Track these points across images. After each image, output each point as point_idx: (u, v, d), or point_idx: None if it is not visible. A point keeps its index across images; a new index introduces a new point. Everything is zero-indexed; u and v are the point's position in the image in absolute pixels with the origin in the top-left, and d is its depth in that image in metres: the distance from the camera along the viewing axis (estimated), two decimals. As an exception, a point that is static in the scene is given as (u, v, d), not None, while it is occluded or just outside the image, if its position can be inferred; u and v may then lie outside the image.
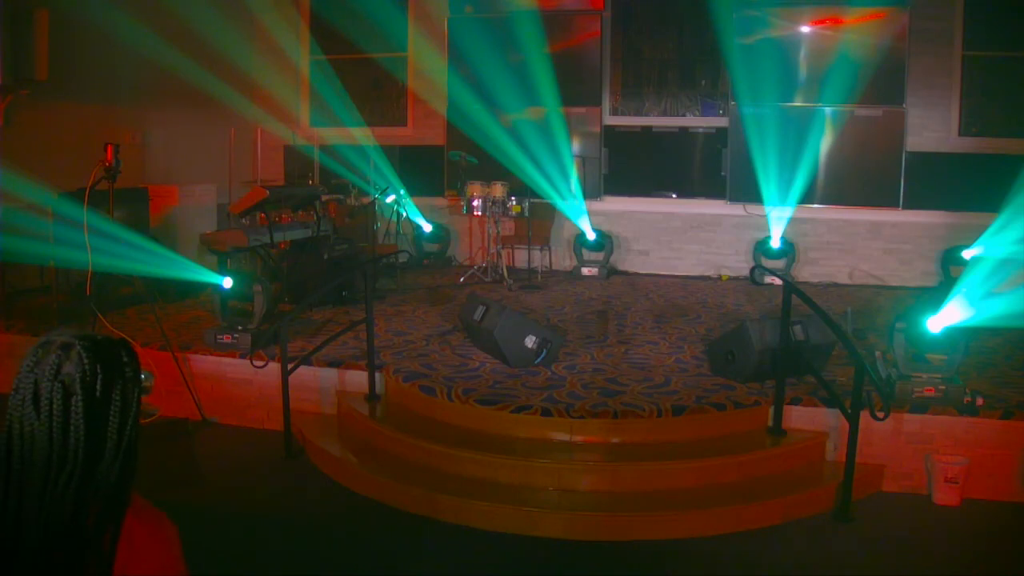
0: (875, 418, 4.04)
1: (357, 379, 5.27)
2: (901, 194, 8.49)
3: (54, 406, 1.40)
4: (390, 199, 8.86)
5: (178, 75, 7.78)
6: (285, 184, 8.97)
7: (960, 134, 8.45)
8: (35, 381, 1.42)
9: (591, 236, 9.08)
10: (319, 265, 6.97)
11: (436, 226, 9.61)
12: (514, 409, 4.53)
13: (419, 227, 9.49)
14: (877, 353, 4.78)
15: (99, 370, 1.44)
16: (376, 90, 10.07)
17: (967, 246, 7.90)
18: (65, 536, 1.37)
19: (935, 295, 5.89)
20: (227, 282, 5.64)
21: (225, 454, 5.03)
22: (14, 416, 1.41)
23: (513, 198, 8.20)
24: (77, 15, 7.08)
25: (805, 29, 8.56)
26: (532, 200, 8.50)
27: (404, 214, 9.23)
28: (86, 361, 1.43)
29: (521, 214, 8.33)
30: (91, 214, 5.22)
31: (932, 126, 8.46)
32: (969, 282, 5.58)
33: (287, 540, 3.93)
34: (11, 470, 1.39)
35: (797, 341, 4.66)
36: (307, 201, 7.24)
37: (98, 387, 1.44)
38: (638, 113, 9.30)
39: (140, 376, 1.52)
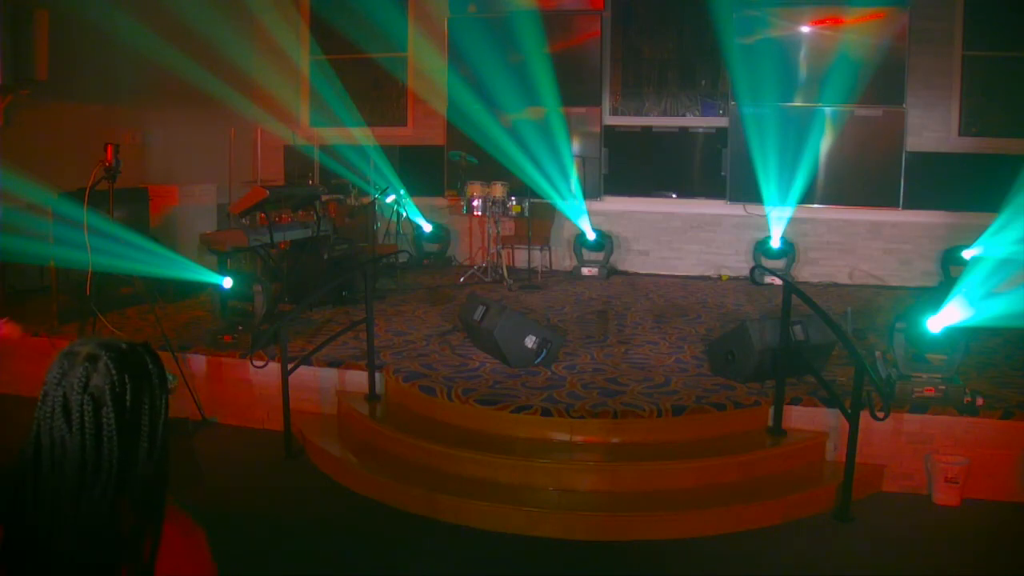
0: (875, 418, 4.04)
1: (357, 379, 5.27)
2: (901, 194, 8.49)
3: (85, 419, 1.40)
4: (390, 199, 8.86)
5: (178, 75, 7.77)
6: (285, 184, 8.96)
7: (960, 134, 8.45)
8: (64, 394, 1.41)
9: (591, 236, 9.08)
10: (319, 265, 6.97)
11: (436, 226, 9.61)
12: (514, 409, 4.53)
13: (419, 227, 9.49)
14: (877, 353, 4.78)
15: (127, 380, 1.44)
16: (376, 90, 10.07)
17: (967, 246, 7.90)
18: (101, 545, 1.38)
19: (935, 295, 5.89)
20: (227, 282, 5.64)
21: (225, 454, 5.03)
22: (43, 427, 1.41)
23: (513, 198, 8.20)
24: (77, 15, 7.08)
25: (805, 29, 8.56)
26: (532, 200, 8.50)
27: (404, 214, 9.23)
28: (114, 372, 1.43)
29: (521, 214, 8.33)
30: (91, 214, 5.22)
31: (932, 126, 8.46)
32: (969, 282, 5.58)
33: (287, 540, 3.93)
34: (41, 480, 1.39)
35: (797, 341, 4.66)
36: (307, 201, 7.23)
37: (128, 397, 1.44)
38: (638, 113, 9.30)
39: (167, 380, 1.53)
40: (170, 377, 1.58)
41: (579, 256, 9.15)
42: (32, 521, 1.38)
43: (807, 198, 8.64)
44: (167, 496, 1.48)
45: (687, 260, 9.18)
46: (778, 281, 6.86)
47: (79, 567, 1.37)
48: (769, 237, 8.69)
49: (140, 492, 1.43)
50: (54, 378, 1.43)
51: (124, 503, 1.41)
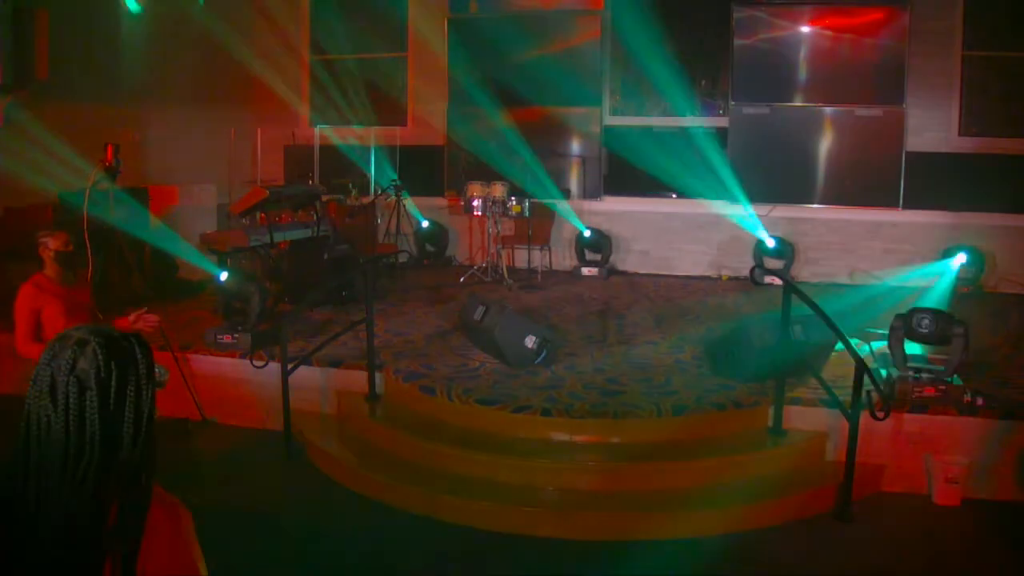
0: (875, 418, 4.04)
1: (357, 379, 5.27)
2: (901, 194, 8.48)
3: (70, 400, 1.44)
4: (390, 199, 8.85)
5: (178, 75, 7.77)
6: (285, 184, 8.96)
7: (960, 134, 8.44)
8: (51, 375, 1.45)
9: (591, 236, 9.08)
10: (319, 265, 6.97)
11: (435, 226, 9.61)
12: (514, 409, 4.53)
13: (419, 225, 9.47)
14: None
15: (113, 367, 1.47)
16: (376, 90, 10.06)
17: (967, 246, 7.90)
18: (86, 527, 1.40)
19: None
20: (224, 276, 5.67)
21: (225, 454, 5.03)
22: (32, 407, 1.45)
23: (513, 198, 8.20)
24: (77, 14, 7.08)
25: (805, 29, 8.55)
26: (532, 200, 8.49)
27: (404, 213, 9.23)
28: (100, 357, 1.46)
29: (521, 214, 8.33)
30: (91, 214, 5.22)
31: (932, 126, 8.45)
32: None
33: (287, 540, 3.93)
34: (30, 458, 1.43)
35: (797, 341, 4.66)
36: (307, 201, 7.24)
37: (112, 383, 1.46)
38: (638, 113, 9.29)
39: (154, 372, 1.55)
40: (161, 370, 1.61)
41: (579, 256, 9.14)
42: (24, 510, 1.40)
43: (807, 198, 8.63)
44: (153, 484, 1.50)
45: (687, 260, 9.17)
46: (778, 281, 6.85)
47: (64, 555, 1.38)
48: (769, 237, 8.69)
49: (124, 480, 1.45)
50: (45, 360, 1.47)
51: (108, 491, 1.43)
